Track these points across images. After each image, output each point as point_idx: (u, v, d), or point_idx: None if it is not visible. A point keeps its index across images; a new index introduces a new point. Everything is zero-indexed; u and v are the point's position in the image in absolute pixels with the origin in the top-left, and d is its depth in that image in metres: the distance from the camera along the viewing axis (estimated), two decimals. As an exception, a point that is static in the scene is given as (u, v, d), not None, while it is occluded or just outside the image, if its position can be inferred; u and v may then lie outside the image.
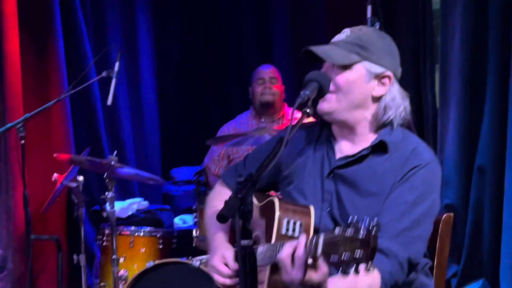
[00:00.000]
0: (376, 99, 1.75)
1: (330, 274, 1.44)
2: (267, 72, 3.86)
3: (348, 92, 1.73)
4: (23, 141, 3.30)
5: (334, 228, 1.39)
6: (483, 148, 3.57)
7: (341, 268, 1.26)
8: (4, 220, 4.11)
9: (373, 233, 1.22)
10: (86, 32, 4.52)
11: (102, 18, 4.88)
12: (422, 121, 4.06)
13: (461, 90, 3.67)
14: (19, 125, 3.26)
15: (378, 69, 1.73)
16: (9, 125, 3.41)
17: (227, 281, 1.71)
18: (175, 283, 3.24)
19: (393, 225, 1.64)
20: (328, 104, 1.72)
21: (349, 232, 1.24)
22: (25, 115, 3.39)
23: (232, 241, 1.84)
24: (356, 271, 1.22)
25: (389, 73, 1.72)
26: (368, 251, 1.21)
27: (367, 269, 1.23)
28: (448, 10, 3.82)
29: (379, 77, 1.74)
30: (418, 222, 1.69)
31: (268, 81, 3.81)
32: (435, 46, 4.00)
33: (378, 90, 1.75)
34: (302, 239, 1.42)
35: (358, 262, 1.22)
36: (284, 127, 3.77)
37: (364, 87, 1.73)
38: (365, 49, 1.74)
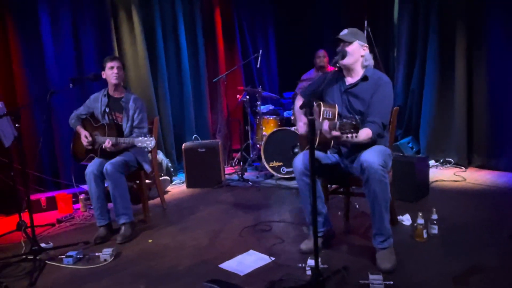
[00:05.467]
0: (362, 56, 2.58)
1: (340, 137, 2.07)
2: (322, 53, 5.60)
3: (353, 54, 2.57)
4: (225, 82, 5.23)
5: (343, 117, 2.20)
6: (415, 80, 5.53)
7: (346, 133, 1.99)
8: (220, 111, 6.19)
9: (358, 122, 1.95)
10: (249, 40, 6.75)
11: (252, 27, 6.91)
12: (389, 68, 5.97)
13: (406, 54, 5.66)
14: (223, 76, 5.26)
15: (361, 43, 2.57)
16: (219, 76, 5.39)
17: (305, 132, 2.55)
18: (284, 137, 4.85)
19: (375, 110, 2.41)
20: (347, 60, 2.54)
21: (349, 121, 1.96)
22: (225, 73, 5.35)
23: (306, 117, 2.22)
24: (356, 133, 1.90)
25: (366, 45, 2.57)
26: (356, 128, 1.93)
27: (356, 136, 1.93)
28: (400, 20, 5.67)
29: (363, 47, 2.58)
30: (386, 107, 2.43)
31: (322, 58, 5.57)
32: (394, 36, 5.94)
33: (362, 52, 2.57)
34: (326, 123, 2.13)
35: (352, 132, 1.94)
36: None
37: (358, 51, 2.60)
38: (355, 35, 2.59)
